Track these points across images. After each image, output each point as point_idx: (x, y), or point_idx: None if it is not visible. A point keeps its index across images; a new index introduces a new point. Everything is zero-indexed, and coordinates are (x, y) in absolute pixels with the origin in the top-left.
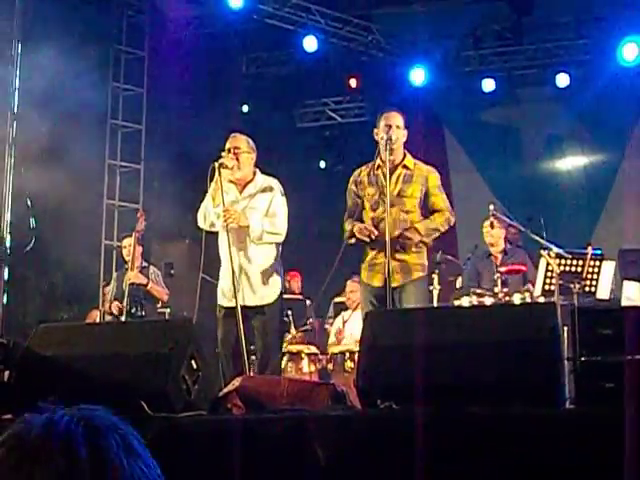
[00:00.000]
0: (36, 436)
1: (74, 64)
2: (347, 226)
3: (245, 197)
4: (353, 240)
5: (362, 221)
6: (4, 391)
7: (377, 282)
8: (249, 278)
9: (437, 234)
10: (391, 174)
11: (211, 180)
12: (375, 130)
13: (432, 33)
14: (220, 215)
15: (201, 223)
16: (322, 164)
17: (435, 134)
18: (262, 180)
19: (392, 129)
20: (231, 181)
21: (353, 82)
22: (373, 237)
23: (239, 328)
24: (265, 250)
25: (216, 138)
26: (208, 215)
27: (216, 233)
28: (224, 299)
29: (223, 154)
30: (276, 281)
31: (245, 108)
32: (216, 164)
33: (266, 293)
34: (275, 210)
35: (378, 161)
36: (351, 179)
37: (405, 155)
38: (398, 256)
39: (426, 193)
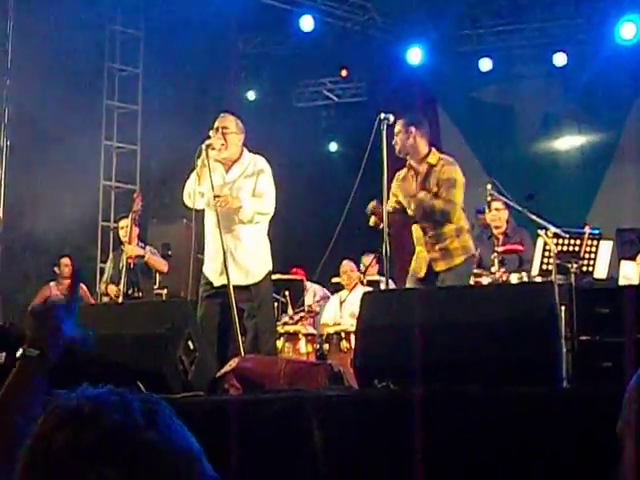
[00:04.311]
0: (86, 401)
1: (69, 42)
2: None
3: (232, 177)
4: (372, 221)
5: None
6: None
7: (419, 272)
8: (236, 258)
9: (432, 209)
10: (417, 173)
11: (198, 159)
12: None
13: (429, 12)
14: (205, 194)
15: (187, 201)
16: (333, 146)
17: (430, 113)
18: (248, 159)
19: (395, 135)
20: (217, 160)
21: (344, 72)
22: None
23: (232, 309)
24: (253, 229)
25: (213, 120)
26: (193, 194)
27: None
28: (211, 279)
29: (211, 133)
30: (264, 260)
31: (251, 95)
32: (203, 146)
33: (254, 272)
34: (262, 190)
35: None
36: (393, 181)
37: (430, 151)
38: (438, 246)
39: (438, 181)
